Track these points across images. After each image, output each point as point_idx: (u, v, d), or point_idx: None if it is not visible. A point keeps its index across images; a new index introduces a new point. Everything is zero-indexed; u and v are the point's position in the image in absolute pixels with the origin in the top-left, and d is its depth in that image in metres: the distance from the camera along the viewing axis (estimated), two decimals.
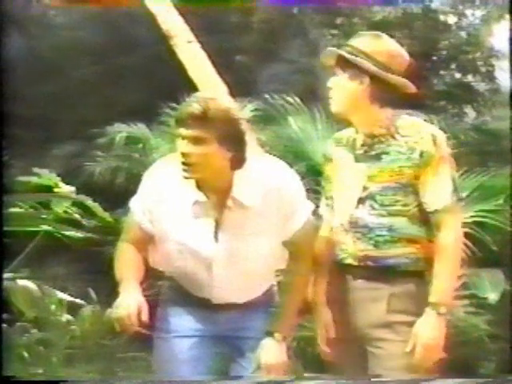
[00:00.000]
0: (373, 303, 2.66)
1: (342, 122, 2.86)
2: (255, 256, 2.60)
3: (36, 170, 4.12)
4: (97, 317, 4.49)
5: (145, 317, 2.48)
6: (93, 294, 4.77)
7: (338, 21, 8.08)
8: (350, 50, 2.70)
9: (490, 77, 8.42)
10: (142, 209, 2.64)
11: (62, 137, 6.93)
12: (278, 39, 7.78)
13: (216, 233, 2.58)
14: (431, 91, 8.01)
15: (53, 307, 4.23)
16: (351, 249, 2.70)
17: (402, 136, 2.67)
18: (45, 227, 3.66)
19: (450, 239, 2.62)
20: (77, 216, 3.99)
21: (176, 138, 2.54)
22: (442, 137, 2.69)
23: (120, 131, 5.99)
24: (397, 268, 2.65)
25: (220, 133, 2.46)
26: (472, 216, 4.65)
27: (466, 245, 4.47)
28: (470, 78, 8.50)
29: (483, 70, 8.41)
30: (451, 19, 8.53)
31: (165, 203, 2.59)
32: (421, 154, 2.63)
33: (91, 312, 4.58)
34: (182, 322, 2.72)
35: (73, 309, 4.47)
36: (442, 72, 8.38)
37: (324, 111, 5.21)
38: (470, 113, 8.35)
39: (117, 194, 4.93)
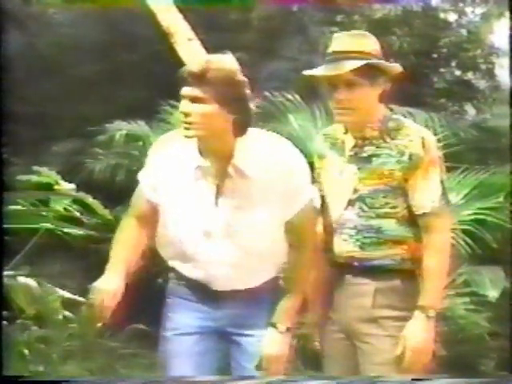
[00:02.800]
0: (359, 298, 2.67)
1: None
2: (255, 232, 2.57)
3: (36, 167, 4.12)
4: None
5: (111, 306, 2.54)
6: None
7: (338, 18, 8.07)
8: (360, 55, 2.61)
9: (490, 74, 8.42)
10: (148, 181, 2.66)
11: (62, 134, 6.91)
12: (278, 37, 7.76)
13: (216, 199, 2.57)
14: (431, 89, 8.01)
15: (53, 304, 4.22)
16: (337, 249, 2.70)
17: (392, 139, 2.66)
18: (45, 225, 3.66)
19: (438, 242, 2.62)
20: (77, 213, 3.99)
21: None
22: (431, 140, 2.68)
23: (120, 129, 5.98)
24: (382, 268, 2.65)
25: (220, 94, 2.45)
26: (472, 214, 4.65)
27: (466, 242, 4.49)
28: (470, 75, 8.49)
29: (483, 67, 8.40)
30: (451, 17, 8.53)
31: (169, 172, 2.60)
32: (410, 157, 2.62)
33: None
34: (185, 319, 2.72)
35: (73, 306, 4.47)
36: (442, 69, 8.37)
37: (324, 109, 5.20)
38: (470, 110, 8.34)
39: (117, 191, 4.92)
